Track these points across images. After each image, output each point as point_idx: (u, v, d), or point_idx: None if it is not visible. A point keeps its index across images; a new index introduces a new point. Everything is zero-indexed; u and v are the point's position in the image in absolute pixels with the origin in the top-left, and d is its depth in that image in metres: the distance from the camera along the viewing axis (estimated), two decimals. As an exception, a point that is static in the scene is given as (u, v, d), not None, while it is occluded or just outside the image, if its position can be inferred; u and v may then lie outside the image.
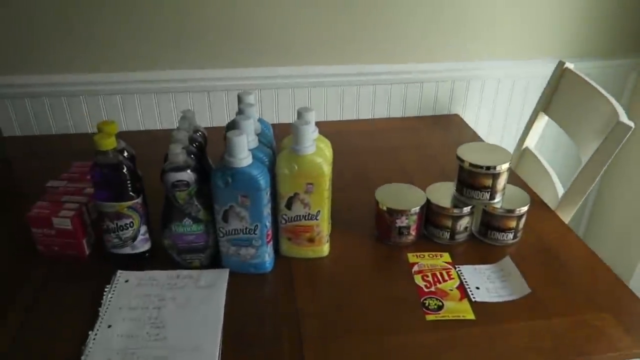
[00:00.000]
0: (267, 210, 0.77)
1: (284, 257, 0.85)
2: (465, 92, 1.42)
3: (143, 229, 0.80)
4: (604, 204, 1.66)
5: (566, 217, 1.00)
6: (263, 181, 0.74)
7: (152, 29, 1.22)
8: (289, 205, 0.80)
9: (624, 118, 0.92)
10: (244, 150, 0.72)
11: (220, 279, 0.79)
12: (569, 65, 1.18)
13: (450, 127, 1.38)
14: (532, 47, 1.40)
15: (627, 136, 0.90)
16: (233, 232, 0.77)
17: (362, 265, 0.84)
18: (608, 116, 0.97)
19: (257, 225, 0.77)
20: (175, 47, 1.25)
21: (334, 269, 0.84)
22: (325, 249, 0.85)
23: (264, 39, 1.27)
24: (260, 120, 0.88)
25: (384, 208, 0.86)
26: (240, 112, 0.82)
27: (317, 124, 0.81)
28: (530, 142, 1.27)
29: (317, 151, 0.78)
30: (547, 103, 1.21)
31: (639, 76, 1.47)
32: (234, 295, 0.76)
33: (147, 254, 0.82)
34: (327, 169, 0.78)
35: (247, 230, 0.77)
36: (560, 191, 1.09)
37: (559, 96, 1.19)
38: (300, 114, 0.80)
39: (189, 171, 0.74)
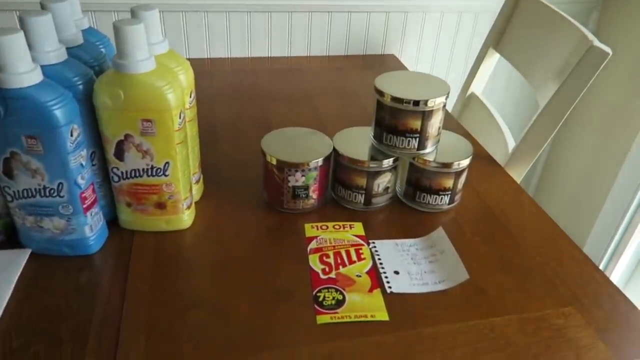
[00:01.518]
0: (77, 160, 0.49)
1: (127, 231, 0.59)
2: (402, 27, 1.17)
3: None
4: (556, 161, 1.48)
5: (518, 175, 0.78)
6: (61, 111, 0.46)
7: None
8: (119, 155, 0.53)
9: (598, 43, 0.69)
10: (24, 61, 0.44)
11: (12, 265, 0.52)
12: (526, -11, 0.95)
13: (383, 70, 1.13)
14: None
15: (604, 64, 0.68)
16: (25, 195, 0.50)
17: (238, 241, 0.59)
18: (576, 44, 0.74)
19: (61, 184, 0.49)
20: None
21: (195, 248, 0.58)
22: (185, 219, 0.59)
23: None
24: (89, 30, 0.60)
25: (273, 161, 0.61)
26: (42, 7, 0.53)
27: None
28: (477, 87, 1.04)
29: (159, 70, 0.51)
30: (499, 37, 0.98)
31: (601, 15, 1.27)
32: (30, 292, 0.50)
33: None
34: (174, 98, 0.51)
35: (47, 190, 0.50)
36: (511, 144, 0.87)
37: (513, 27, 0.96)
38: (133, 13, 0.52)
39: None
